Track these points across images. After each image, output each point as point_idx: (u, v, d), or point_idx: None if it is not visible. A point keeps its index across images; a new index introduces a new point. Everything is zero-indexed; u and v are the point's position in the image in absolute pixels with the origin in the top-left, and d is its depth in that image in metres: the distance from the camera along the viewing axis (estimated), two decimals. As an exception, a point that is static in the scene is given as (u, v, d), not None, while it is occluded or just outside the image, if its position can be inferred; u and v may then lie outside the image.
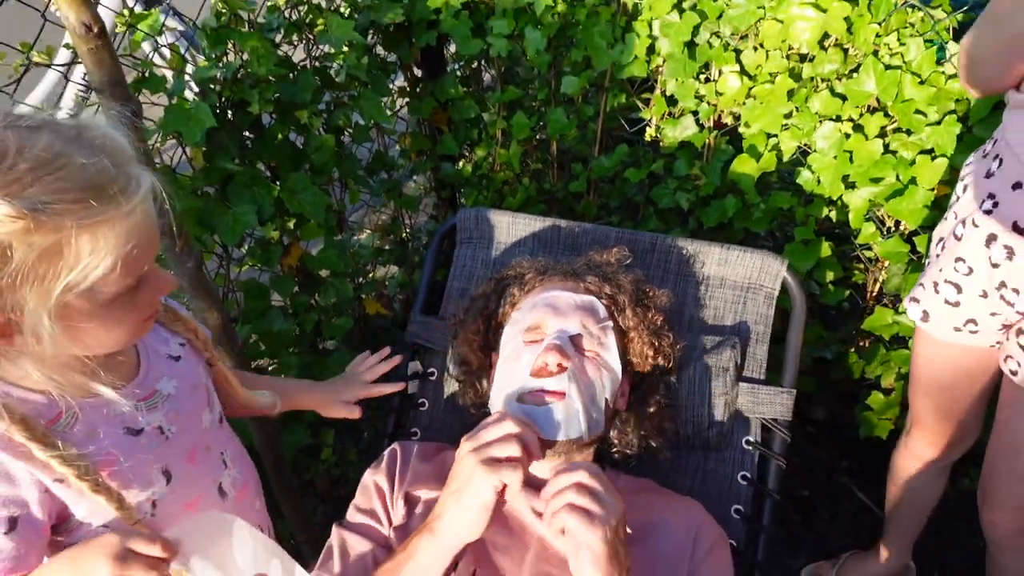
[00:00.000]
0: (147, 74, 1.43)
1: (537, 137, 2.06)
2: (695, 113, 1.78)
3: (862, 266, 1.88)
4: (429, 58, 2.00)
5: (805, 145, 1.70)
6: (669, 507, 1.15)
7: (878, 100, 1.57)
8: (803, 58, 1.64)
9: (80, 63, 1.11)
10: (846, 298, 1.83)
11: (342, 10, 1.82)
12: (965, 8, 1.52)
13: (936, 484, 1.63)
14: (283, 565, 0.92)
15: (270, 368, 1.79)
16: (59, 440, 0.84)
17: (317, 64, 1.76)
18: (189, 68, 1.52)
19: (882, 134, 1.59)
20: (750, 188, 1.75)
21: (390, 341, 1.56)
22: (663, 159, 1.86)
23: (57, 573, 0.81)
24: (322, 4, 1.77)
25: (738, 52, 1.67)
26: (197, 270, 1.30)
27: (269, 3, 1.73)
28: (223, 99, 1.53)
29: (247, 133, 1.60)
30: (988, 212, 1.18)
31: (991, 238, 1.17)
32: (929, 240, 1.39)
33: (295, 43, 1.75)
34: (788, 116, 1.67)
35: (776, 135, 1.70)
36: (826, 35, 1.58)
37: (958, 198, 1.28)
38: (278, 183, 1.63)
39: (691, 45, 1.69)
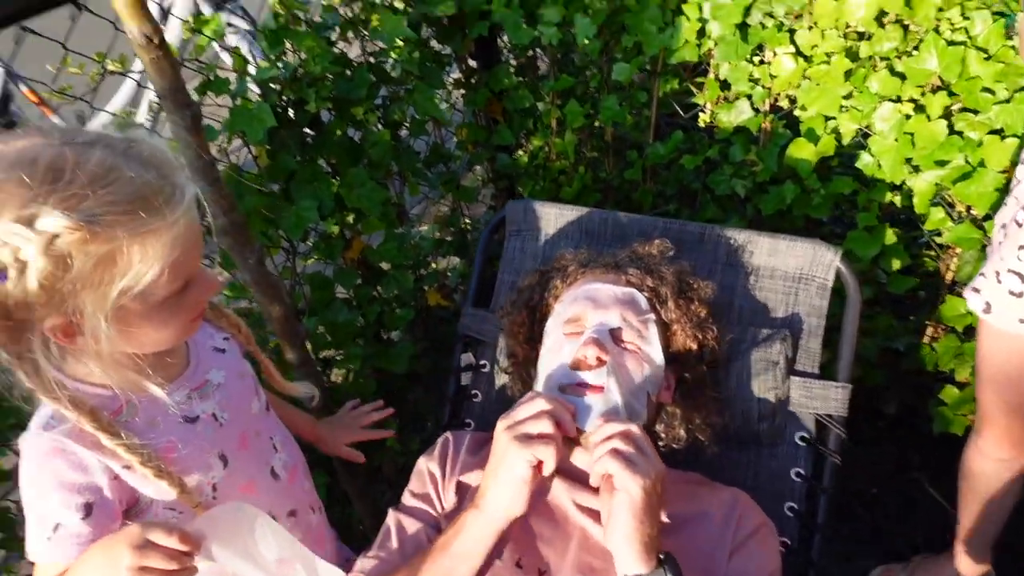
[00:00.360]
0: (212, 77, 1.51)
1: (594, 125, 2.05)
2: (749, 97, 1.73)
3: (933, 253, 1.80)
4: (482, 49, 2.01)
5: (866, 128, 1.63)
6: (714, 497, 1.15)
7: (941, 79, 1.49)
8: (860, 36, 1.57)
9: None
10: (917, 286, 1.75)
11: (396, 4, 1.85)
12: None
13: (1010, 484, 1.55)
14: (304, 561, 0.97)
15: (337, 358, 1.86)
16: (122, 430, 0.91)
17: (372, 60, 1.80)
18: (251, 69, 1.58)
19: (947, 114, 1.51)
20: (809, 173, 1.69)
21: (450, 332, 1.59)
22: (718, 145, 1.82)
23: (94, 557, 0.88)
24: (376, 0, 1.80)
25: (792, 32, 1.61)
26: (259, 265, 1.35)
27: (324, 2, 1.78)
28: (283, 98, 1.58)
29: (307, 130, 1.65)
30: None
31: (1057, 225, 1.11)
32: (998, 226, 1.33)
33: (350, 40, 1.79)
34: (847, 97, 1.60)
35: (834, 118, 1.64)
36: (883, 12, 1.51)
37: (1020, 182, 1.21)
38: (338, 179, 1.68)
39: (743, 27, 1.63)
